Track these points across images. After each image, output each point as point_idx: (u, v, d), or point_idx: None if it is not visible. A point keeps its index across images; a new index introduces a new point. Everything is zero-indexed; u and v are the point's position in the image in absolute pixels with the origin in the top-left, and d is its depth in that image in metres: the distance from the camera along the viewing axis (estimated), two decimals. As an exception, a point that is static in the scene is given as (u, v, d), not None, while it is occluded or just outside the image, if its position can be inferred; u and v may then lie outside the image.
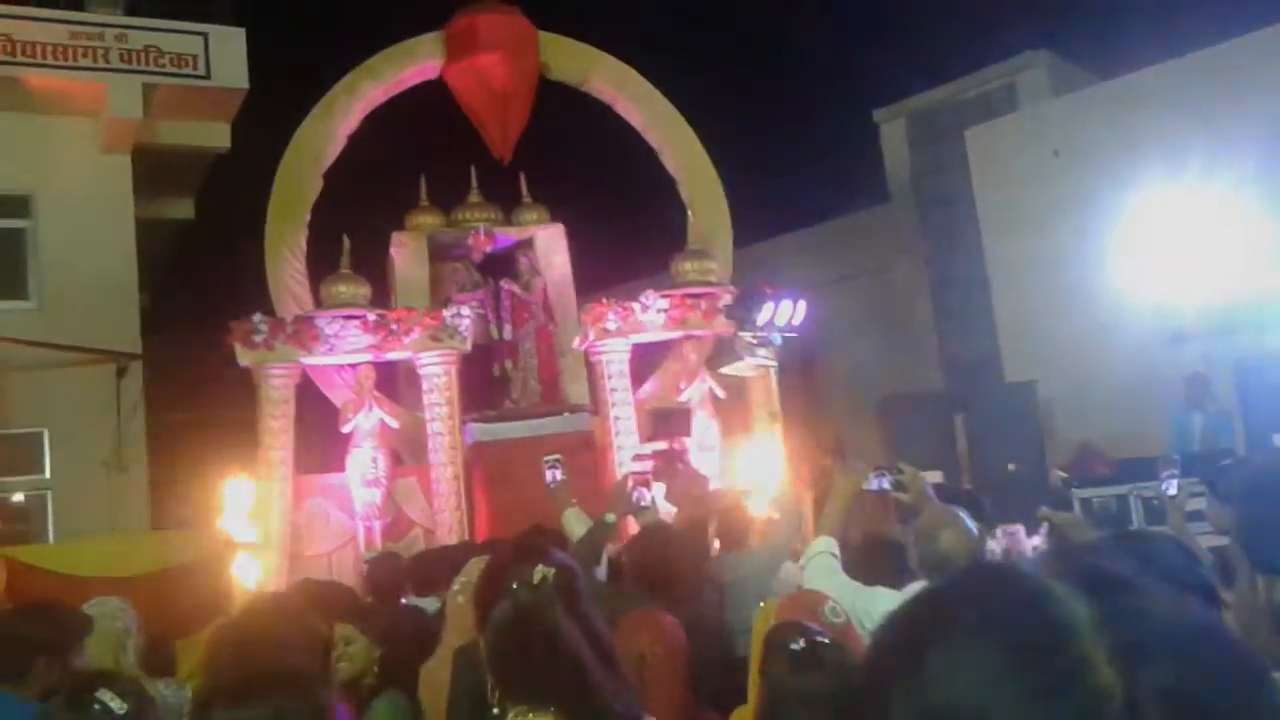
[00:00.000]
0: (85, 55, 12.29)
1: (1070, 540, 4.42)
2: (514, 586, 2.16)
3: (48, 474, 11.89)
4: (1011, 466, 10.22)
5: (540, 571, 2.17)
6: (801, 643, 2.35)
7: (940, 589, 1.03)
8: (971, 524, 4.21)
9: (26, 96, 12.14)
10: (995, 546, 4.90)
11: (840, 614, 3.35)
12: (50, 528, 11.72)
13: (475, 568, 3.48)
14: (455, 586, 3.94)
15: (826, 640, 2.39)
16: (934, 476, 9.14)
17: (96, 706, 2.11)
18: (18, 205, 12.43)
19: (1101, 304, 12.79)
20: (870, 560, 4.48)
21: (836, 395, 16.78)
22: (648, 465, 8.54)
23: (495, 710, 2.15)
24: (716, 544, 6.86)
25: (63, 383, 11.73)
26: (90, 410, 11.87)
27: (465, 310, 10.52)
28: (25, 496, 11.79)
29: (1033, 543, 4.81)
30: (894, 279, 17.31)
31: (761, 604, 3.83)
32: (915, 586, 3.89)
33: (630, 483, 5.26)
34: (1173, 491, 6.45)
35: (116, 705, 2.11)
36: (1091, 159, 13.39)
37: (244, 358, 9.83)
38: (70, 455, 11.82)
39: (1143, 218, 12.40)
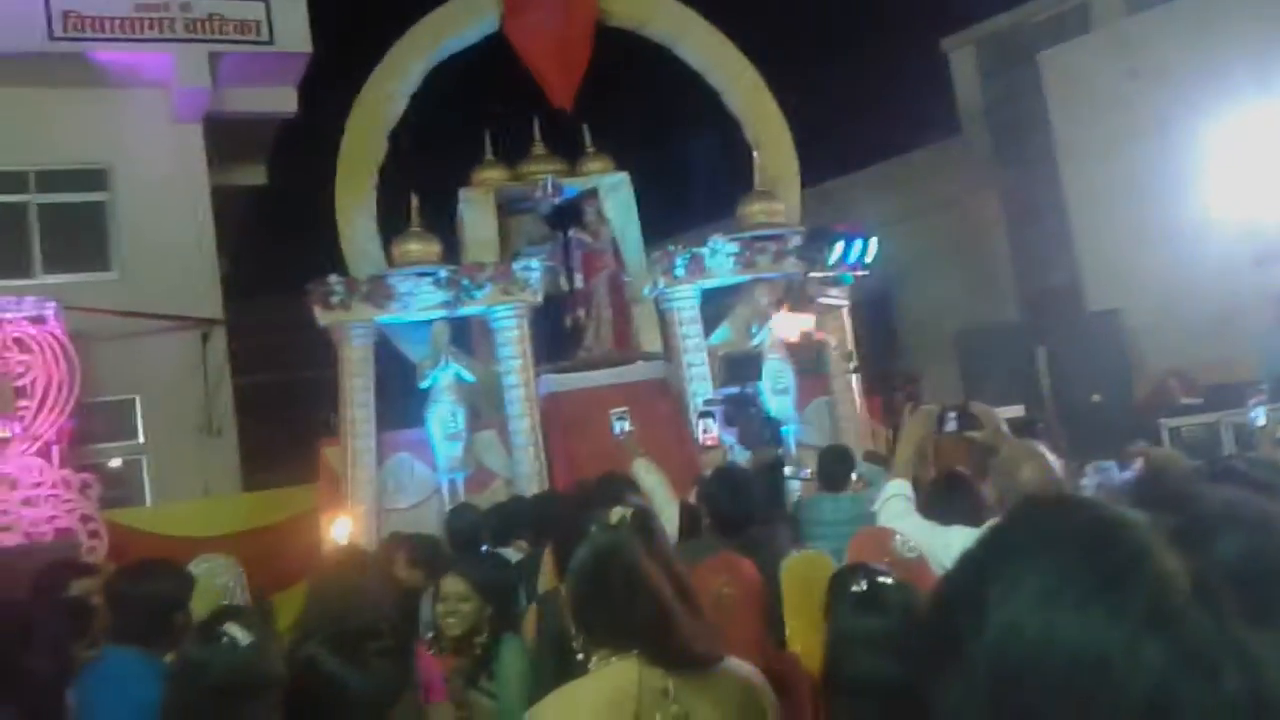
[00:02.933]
0: (151, 27, 12.50)
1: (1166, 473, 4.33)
2: (592, 529, 2.18)
3: (142, 439, 12.29)
4: (1096, 398, 10.02)
5: (618, 513, 2.19)
6: (864, 584, 2.35)
7: (999, 521, 1.03)
8: (1052, 458, 4.15)
9: (97, 71, 12.40)
10: (1088, 484, 4.81)
11: (914, 549, 3.33)
12: (147, 491, 12.14)
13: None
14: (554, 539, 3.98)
15: (890, 581, 2.38)
16: (1015, 411, 9.04)
17: (224, 638, 2.22)
18: (96, 179, 12.75)
19: (1186, 228, 12.41)
20: (945, 500, 4.43)
21: (912, 332, 16.57)
22: (718, 409, 8.55)
23: (579, 655, 2.19)
24: (816, 486, 6.88)
25: (150, 350, 12.08)
26: (178, 376, 12.23)
27: (535, 263, 10.57)
28: (122, 461, 12.20)
29: (1125, 478, 4.72)
30: (968, 212, 16.95)
31: (794, 553, 3.85)
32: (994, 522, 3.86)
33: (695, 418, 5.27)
34: (1261, 421, 6.27)
35: (242, 636, 2.22)
36: (1171, 78, 12.91)
37: (323, 318, 10.02)
38: (162, 420, 12.20)
39: (1227, 137, 11.96)
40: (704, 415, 5.23)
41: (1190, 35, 12.84)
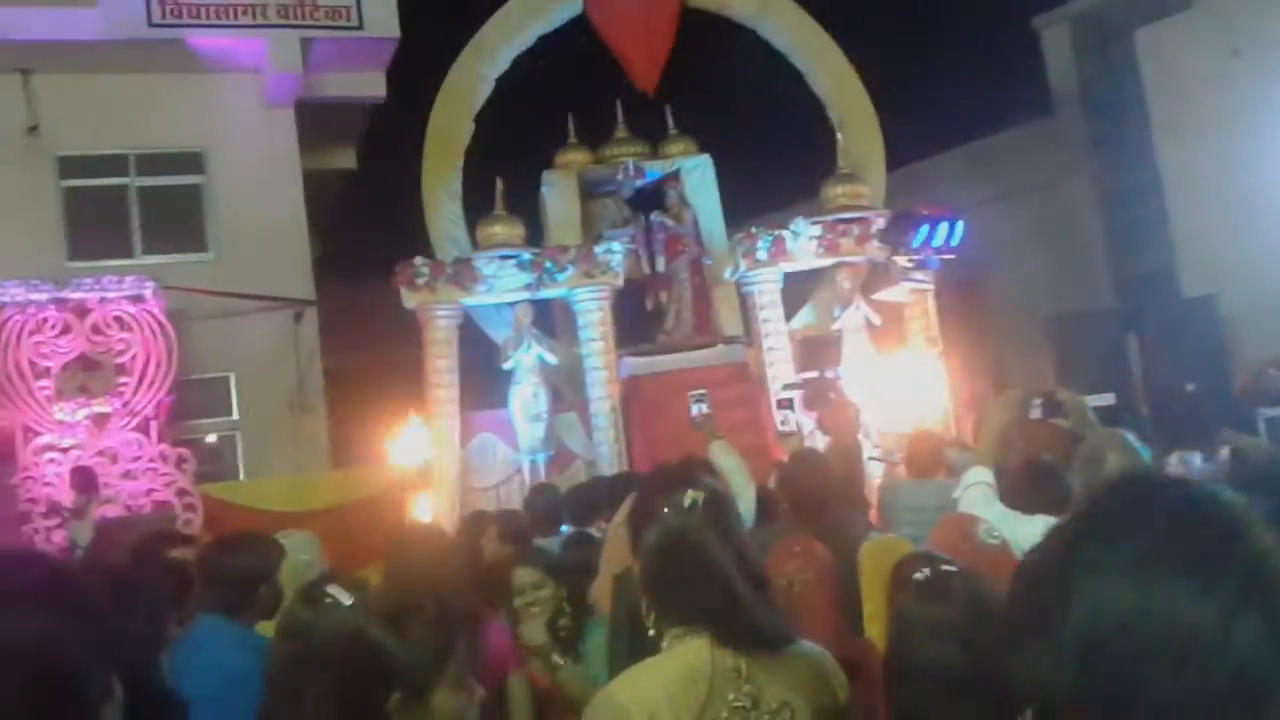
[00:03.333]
0: (245, 13, 12.77)
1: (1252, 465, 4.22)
2: (664, 510, 2.21)
3: (235, 415, 12.65)
4: (1190, 387, 9.74)
5: (690, 495, 2.21)
6: (927, 572, 2.34)
7: (1090, 496, 1.03)
8: (1140, 447, 4.06)
9: (193, 57, 12.72)
10: (1172, 473, 4.71)
11: (997, 535, 3.29)
12: (240, 466, 12.49)
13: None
14: (616, 517, 4.03)
15: (954, 569, 2.36)
16: (1105, 399, 8.85)
17: (328, 600, 2.31)
18: (192, 162, 13.11)
19: (1288, 211, 11.98)
20: (1029, 488, 4.36)
21: (1001, 317, 16.24)
22: (796, 394, 8.50)
23: (651, 633, 2.22)
24: (902, 471, 6.81)
25: (244, 330, 12.41)
26: (271, 355, 12.54)
27: (617, 245, 10.62)
28: (217, 437, 12.58)
29: (1209, 469, 4.60)
30: (1059, 194, 16.54)
31: (871, 537, 3.82)
32: (1078, 513, 3.79)
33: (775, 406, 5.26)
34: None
35: (344, 597, 2.30)
36: (1274, 57, 12.44)
37: (409, 300, 10.20)
38: (256, 398, 12.54)
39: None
40: (783, 405, 5.23)
41: (1296, 11, 12.37)
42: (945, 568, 2.36)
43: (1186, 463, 4.48)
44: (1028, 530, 3.67)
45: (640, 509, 2.36)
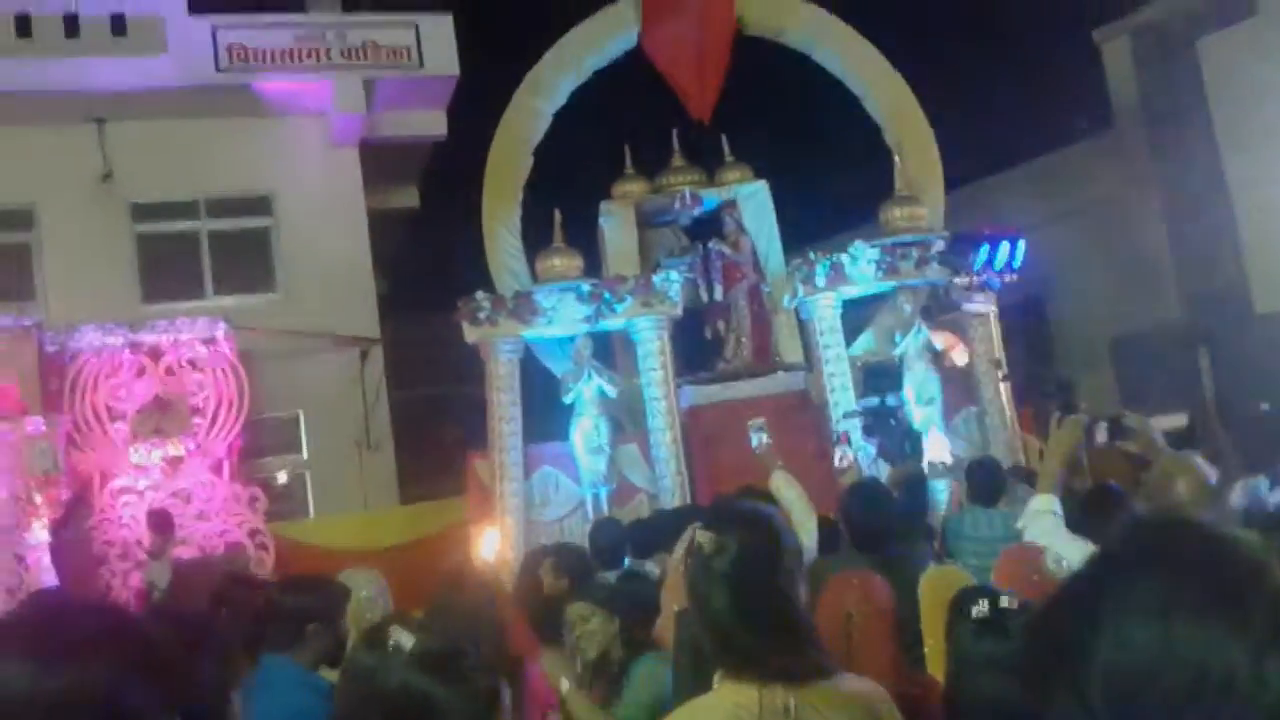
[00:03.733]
0: (309, 56, 13.12)
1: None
2: (686, 553, 2.24)
3: (305, 454, 12.87)
4: (1265, 406, 9.49)
5: (698, 538, 2.23)
6: (984, 606, 2.32)
7: (1111, 539, 1.04)
8: (1210, 471, 3.99)
9: (260, 101, 13.08)
10: (1236, 502, 4.57)
11: (1063, 564, 3.25)
12: (310, 504, 12.70)
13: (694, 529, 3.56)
14: (676, 552, 4.03)
15: (1013, 604, 2.34)
16: (1177, 420, 8.65)
17: (391, 642, 2.36)
18: (261, 205, 13.45)
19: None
20: (1096, 515, 4.30)
21: (1066, 338, 15.98)
22: (855, 423, 8.43)
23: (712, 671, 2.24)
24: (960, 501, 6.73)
25: (313, 368, 12.66)
26: (339, 392, 12.77)
27: (675, 274, 10.64)
28: (287, 476, 12.80)
29: (1276, 496, 4.47)
30: (1124, 210, 16.26)
31: (931, 568, 3.77)
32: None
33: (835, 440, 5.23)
34: None
35: (406, 640, 2.34)
36: (1345, 61, 12.16)
37: (470, 335, 10.31)
38: (324, 436, 12.76)
39: None
40: (841, 440, 5.21)
41: (1366, 15, 12.08)
42: (1005, 602, 2.33)
43: (1253, 490, 4.35)
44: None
45: (687, 548, 2.37)
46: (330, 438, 12.76)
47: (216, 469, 10.88)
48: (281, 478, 12.68)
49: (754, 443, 5.24)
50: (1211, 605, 0.87)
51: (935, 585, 3.62)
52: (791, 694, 2.07)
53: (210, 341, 11.23)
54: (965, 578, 3.62)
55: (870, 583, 3.44)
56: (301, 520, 12.03)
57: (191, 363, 11.08)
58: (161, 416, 10.79)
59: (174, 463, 10.70)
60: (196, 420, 10.94)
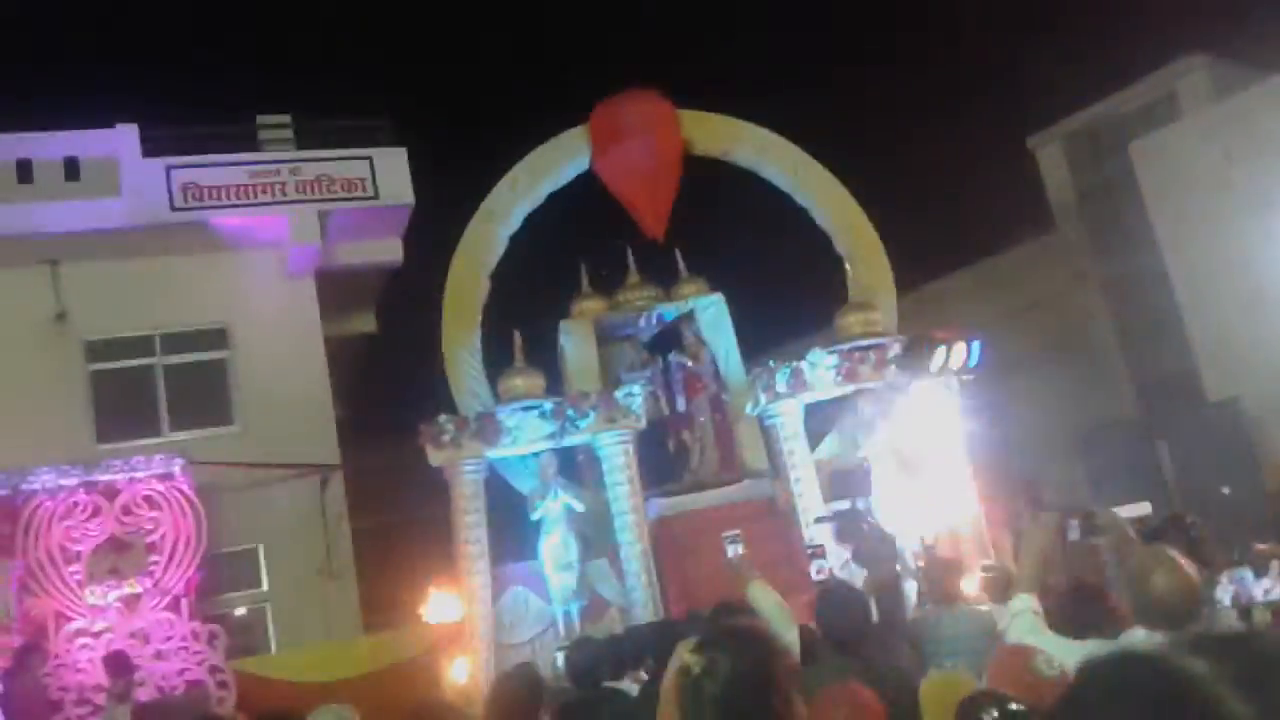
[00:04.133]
0: (264, 191, 13.20)
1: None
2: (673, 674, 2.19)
3: (265, 587, 12.56)
4: (1226, 490, 9.61)
5: (684, 659, 2.18)
6: (995, 714, 2.29)
7: (1072, 684, 1.08)
8: (1186, 563, 4.01)
9: (215, 236, 13.10)
10: (1223, 595, 4.61)
11: (1054, 666, 3.23)
12: (272, 638, 12.34)
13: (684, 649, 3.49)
14: (672, 667, 3.94)
15: (1021, 708, 2.32)
16: (1142, 508, 8.72)
17: None
18: (217, 338, 13.36)
19: (1301, 307, 12.03)
20: (1076, 611, 4.29)
21: (1025, 433, 16.18)
22: (829, 526, 8.42)
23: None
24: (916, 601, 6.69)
25: (271, 499, 12.43)
26: (299, 523, 12.53)
27: (637, 388, 10.68)
28: (247, 610, 12.46)
29: (1263, 585, 4.52)
30: (1070, 306, 16.68)
31: (932, 674, 3.73)
32: (1132, 634, 3.72)
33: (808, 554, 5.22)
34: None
35: None
36: (1268, 157, 12.69)
37: (435, 458, 10.23)
38: (284, 567, 12.48)
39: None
40: (815, 554, 5.21)
41: (1284, 113, 12.66)
42: (1013, 708, 2.31)
43: (1239, 581, 4.39)
44: (1080, 656, 3.58)
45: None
46: (291, 569, 12.48)
47: (174, 607, 10.58)
48: (240, 612, 12.34)
49: (729, 554, 5.20)
50: None
51: (938, 693, 3.56)
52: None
53: (167, 478, 11.03)
54: (968, 682, 3.57)
55: (860, 696, 3.38)
56: (264, 655, 11.66)
57: (148, 500, 10.85)
58: (118, 557, 10.52)
59: (131, 602, 10.39)
60: (153, 558, 10.67)
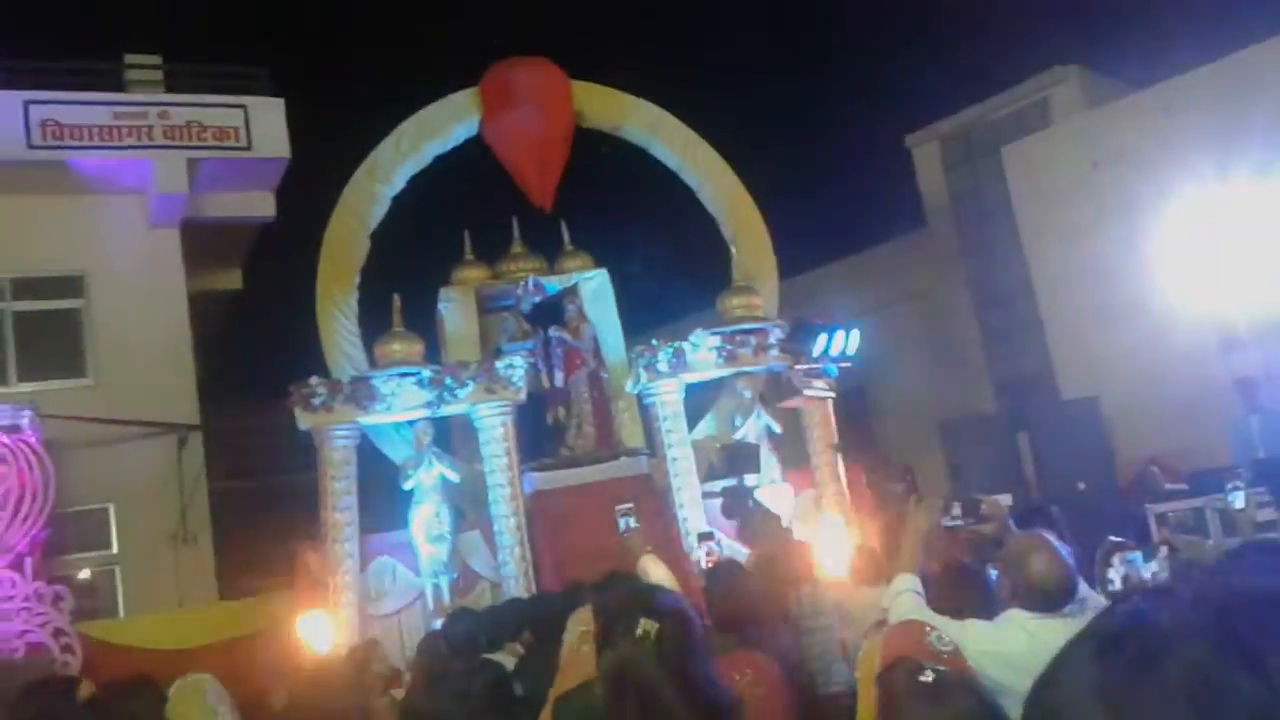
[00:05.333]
0: (130, 134, 12.58)
1: (1194, 564, 4.33)
2: (617, 638, 2.15)
3: (115, 549, 12.03)
4: (1081, 486, 10.06)
5: (643, 626, 2.15)
6: (929, 674, 2.32)
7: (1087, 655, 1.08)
8: (1061, 546, 4.15)
9: (75, 178, 12.43)
10: (1114, 575, 4.84)
11: (947, 641, 3.30)
12: (120, 602, 11.84)
13: (585, 615, 3.46)
14: (574, 635, 3.89)
15: (944, 668, 2.36)
16: (1004, 499, 9.05)
17: None
18: (71, 285, 12.70)
19: (1153, 314, 12.66)
20: (956, 592, 4.40)
21: (891, 422, 16.66)
22: (716, 502, 8.49)
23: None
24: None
25: (125, 458, 11.90)
26: (154, 483, 12.03)
27: (518, 360, 10.55)
28: (93, 572, 11.92)
29: (1151, 568, 4.75)
30: (937, 302, 17.22)
31: (865, 642, 3.79)
32: (1010, 615, 3.84)
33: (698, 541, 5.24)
34: (1240, 504, 6.36)
35: None
36: (1132, 168, 13.31)
37: (304, 421, 9.91)
38: (136, 529, 11.98)
39: (1189, 223, 12.28)
40: (705, 537, 5.25)
41: (1150, 125, 13.27)
42: (940, 667, 2.34)
43: (1130, 563, 4.60)
44: (960, 636, 3.69)
45: (602, 631, 2.28)
46: (143, 531, 11.98)
47: (17, 566, 10.03)
48: (85, 574, 11.78)
49: (621, 527, 5.20)
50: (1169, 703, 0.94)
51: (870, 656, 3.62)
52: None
53: (13, 430, 10.44)
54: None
55: (760, 663, 3.41)
56: (112, 619, 11.17)
57: (-9, 452, 10.25)
58: (-45, 511, 9.92)
59: (-31, 561, 9.82)
60: (-5, 514, 10.10)
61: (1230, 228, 11.86)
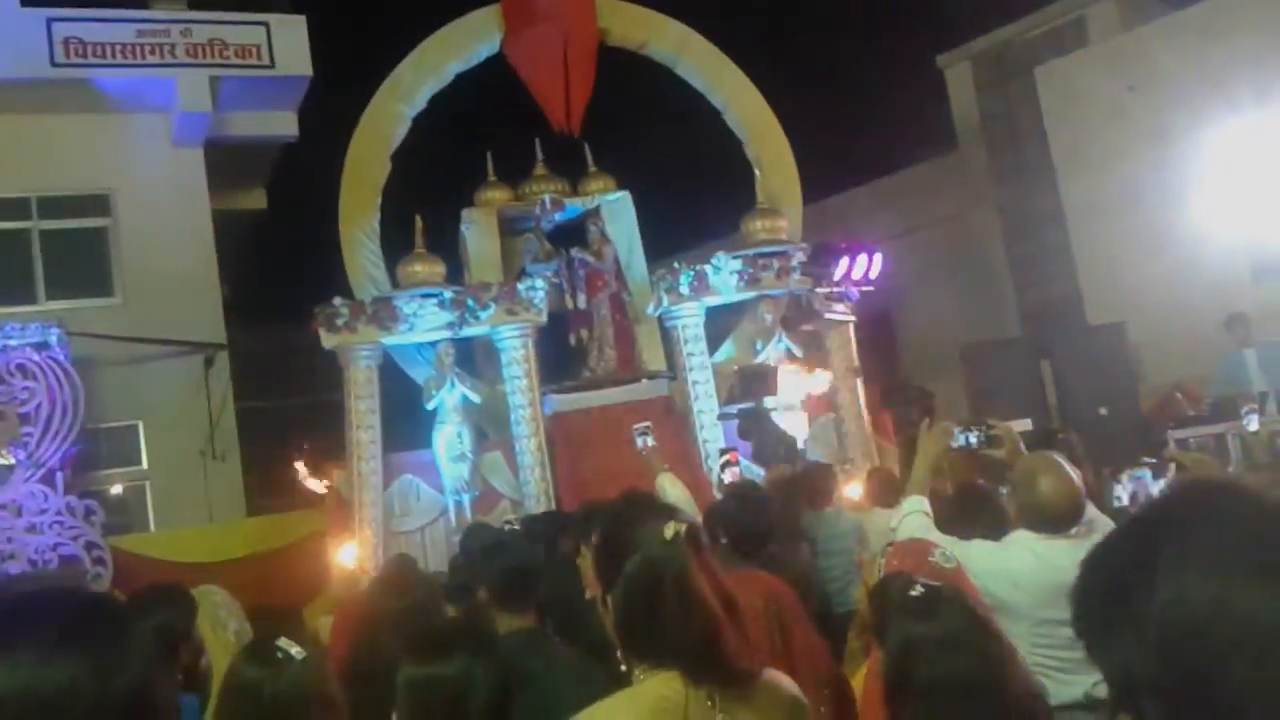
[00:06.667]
0: (153, 52, 12.52)
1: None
2: (647, 541, 2.17)
3: (145, 465, 12.24)
4: (1103, 411, 9.99)
5: (672, 527, 2.18)
6: (919, 588, 2.34)
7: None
8: (1070, 469, 4.15)
9: (99, 97, 12.42)
10: (1122, 493, 4.86)
11: (950, 559, 3.33)
12: (150, 517, 12.08)
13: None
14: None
15: (938, 584, 2.38)
16: (1024, 424, 9.02)
17: (279, 654, 2.25)
18: (98, 204, 12.76)
19: (1185, 240, 12.43)
20: (964, 514, 4.43)
21: (915, 347, 16.57)
22: (732, 425, 8.52)
23: (623, 666, 2.18)
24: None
25: (153, 376, 12.05)
26: (181, 401, 12.19)
27: (539, 282, 10.57)
28: (124, 488, 12.15)
29: (1159, 486, 4.75)
30: (966, 226, 16.98)
31: (872, 563, 3.82)
32: (1017, 535, 3.86)
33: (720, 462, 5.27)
34: (1254, 427, 6.33)
35: (296, 652, 2.25)
36: (1169, 92, 12.97)
37: (328, 341, 10.00)
38: (165, 446, 12.16)
39: (1225, 150, 12.01)
40: (726, 464, 5.29)
41: (1188, 48, 12.90)
42: (930, 583, 2.37)
43: (1138, 480, 4.61)
44: (965, 555, 3.72)
45: (614, 541, 2.30)
46: (172, 448, 12.17)
47: (49, 480, 10.25)
48: (118, 489, 12.01)
49: (639, 445, 5.23)
50: (1267, 565, 0.94)
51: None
52: (716, 687, 2.05)
53: (43, 347, 10.60)
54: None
55: (770, 581, 3.45)
56: (143, 533, 11.42)
57: (22, 369, 10.42)
58: (-11, 426, 10.12)
59: (2, 474, 10.03)
60: (27, 430, 10.29)
61: (1267, 156, 11.60)
